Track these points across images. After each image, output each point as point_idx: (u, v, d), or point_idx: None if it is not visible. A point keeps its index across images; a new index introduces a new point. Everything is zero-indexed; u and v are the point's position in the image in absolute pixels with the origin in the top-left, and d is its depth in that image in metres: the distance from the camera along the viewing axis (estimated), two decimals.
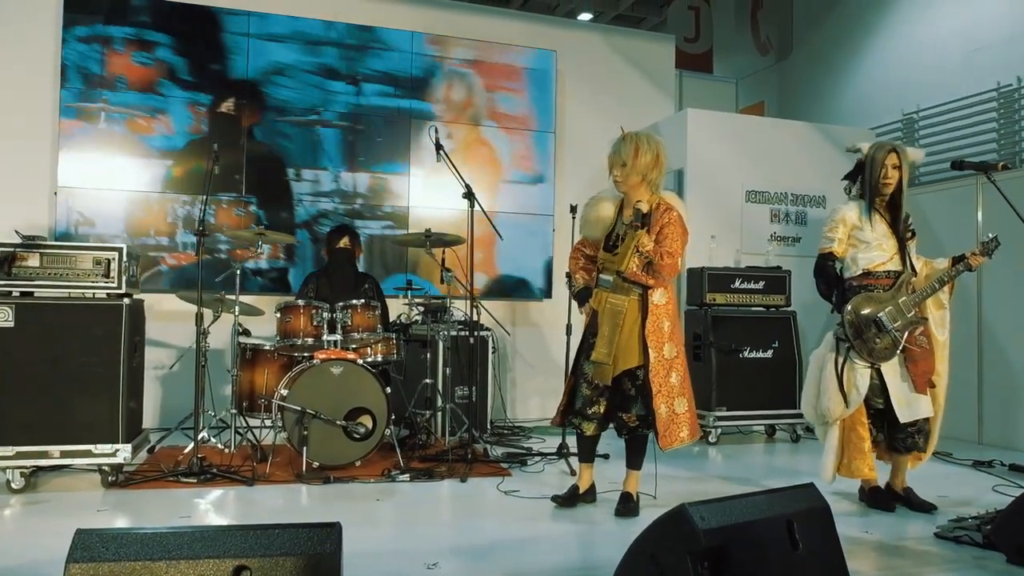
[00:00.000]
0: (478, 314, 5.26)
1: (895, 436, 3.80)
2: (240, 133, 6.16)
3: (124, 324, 3.96)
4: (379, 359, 4.90)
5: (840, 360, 3.72)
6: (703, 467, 5.03)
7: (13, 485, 3.82)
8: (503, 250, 6.56)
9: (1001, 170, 3.78)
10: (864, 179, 3.86)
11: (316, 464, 4.25)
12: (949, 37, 6.97)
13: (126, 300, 3.99)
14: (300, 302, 4.74)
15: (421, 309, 5.42)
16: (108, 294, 3.99)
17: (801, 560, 2.28)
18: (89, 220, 5.79)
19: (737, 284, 5.89)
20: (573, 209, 4.90)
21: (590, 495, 3.87)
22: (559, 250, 6.52)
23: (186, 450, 4.42)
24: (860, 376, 3.69)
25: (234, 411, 4.72)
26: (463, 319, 5.47)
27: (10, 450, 3.78)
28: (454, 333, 5.29)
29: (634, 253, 3.53)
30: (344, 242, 5.44)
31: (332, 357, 4.44)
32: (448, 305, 5.26)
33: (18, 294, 3.88)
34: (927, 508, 3.73)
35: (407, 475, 4.24)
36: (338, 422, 4.30)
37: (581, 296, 3.82)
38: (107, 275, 3.98)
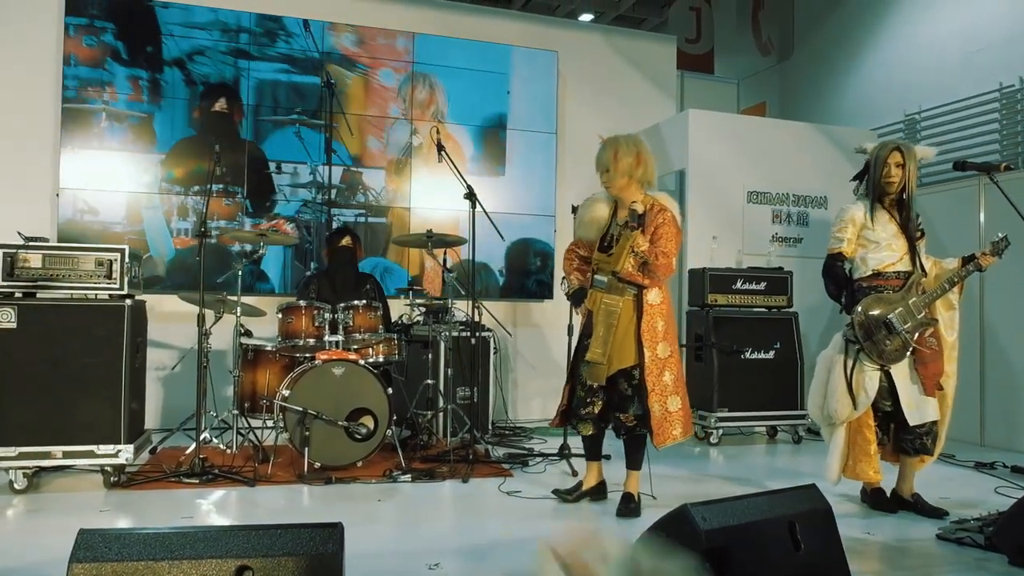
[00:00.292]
0: (479, 315, 5.26)
1: (903, 438, 3.76)
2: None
3: (126, 325, 3.97)
4: (381, 360, 4.90)
5: (850, 362, 3.69)
6: (705, 468, 5.03)
7: (16, 485, 3.83)
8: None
9: (1004, 171, 3.77)
10: (869, 178, 3.85)
11: (318, 465, 4.25)
12: (950, 37, 6.96)
13: (128, 301, 4.00)
14: (302, 303, 4.74)
15: (423, 310, 5.42)
16: (110, 295, 4.00)
17: (803, 561, 2.28)
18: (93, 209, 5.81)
19: (739, 285, 5.89)
20: (574, 210, 4.89)
21: (599, 493, 3.88)
22: (561, 250, 6.53)
23: (188, 451, 4.42)
24: (869, 378, 3.66)
25: (236, 412, 4.73)
26: (464, 320, 5.47)
27: (12, 450, 3.79)
28: (456, 334, 5.29)
29: (629, 253, 3.55)
30: (346, 242, 5.44)
31: (334, 358, 4.44)
32: (449, 306, 5.27)
33: (20, 295, 3.89)
34: (937, 514, 3.67)
35: (409, 476, 4.25)
36: (340, 423, 4.31)
37: (576, 297, 3.84)
38: (109, 276, 3.99)
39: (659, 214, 3.61)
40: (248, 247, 5.32)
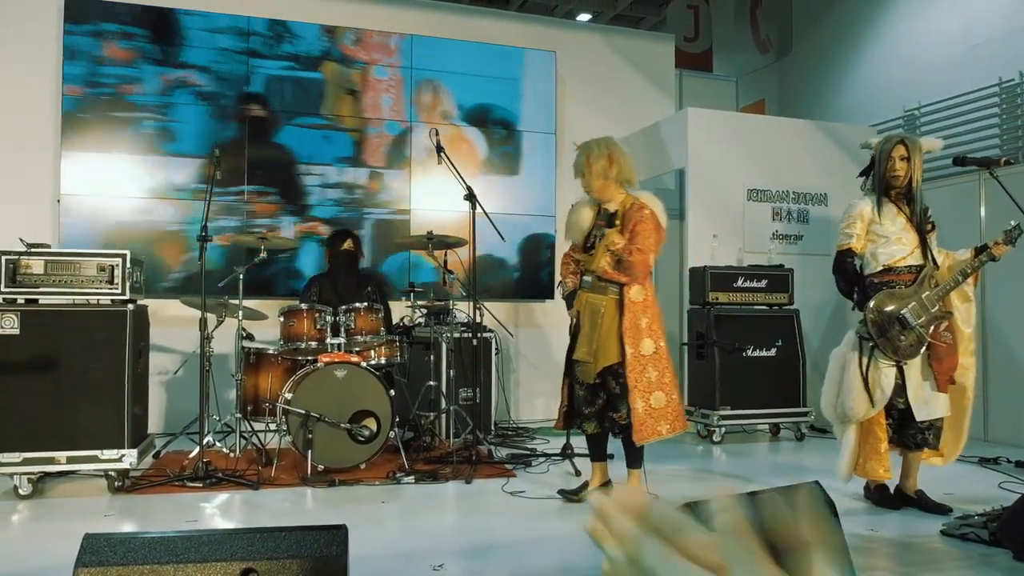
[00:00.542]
0: (481, 315, 5.27)
1: (906, 432, 3.74)
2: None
3: (128, 330, 3.97)
4: (383, 362, 4.90)
5: (864, 359, 3.65)
6: (708, 466, 5.03)
7: (20, 491, 3.84)
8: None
9: (1004, 166, 3.76)
10: (875, 172, 3.83)
11: (321, 467, 4.26)
12: (949, 32, 6.96)
13: (130, 306, 4.01)
14: (303, 306, 4.75)
15: (424, 311, 5.42)
16: (112, 300, 4.01)
17: None
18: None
19: (739, 283, 5.89)
20: None
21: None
22: (561, 251, 6.53)
23: (191, 455, 4.43)
24: (885, 376, 3.63)
25: (239, 415, 4.73)
26: (466, 321, 5.48)
27: (17, 456, 3.79)
28: (457, 335, 5.29)
29: (605, 252, 3.62)
30: (347, 245, 5.45)
31: (336, 360, 4.44)
32: (451, 307, 5.27)
33: (23, 301, 3.90)
34: (941, 510, 3.65)
35: (412, 477, 4.25)
36: (342, 425, 4.31)
37: (569, 299, 3.89)
38: (111, 281, 4.00)
39: (637, 212, 3.65)
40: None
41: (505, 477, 4.37)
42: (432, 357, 5.25)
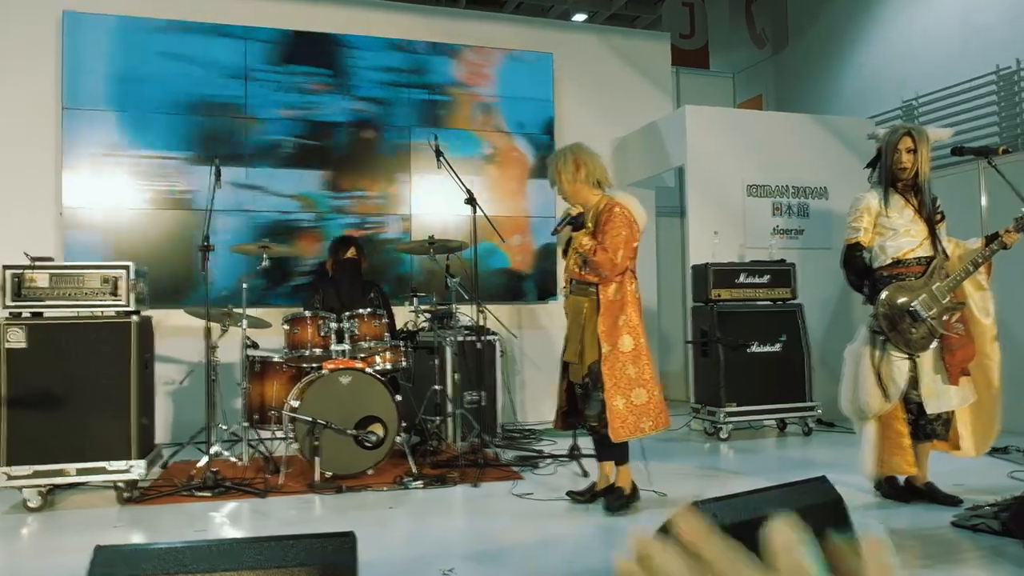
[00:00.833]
0: (484, 319, 5.27)
1: (916, 423, 3.71)
2: None
3: (133, 341, 3.99)
4: (388, 367, 4.91)
5: (877, 353, 3.64)
6: (715, 463, 5.02)
7: (30, 504, 3.85)
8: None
9: (1002, 154, 3.75)
10: (881, 165, 3.81)
11: (328, 474, 4.26)
12: (946, 21, 6.96)
13: (135, 317, 4.02)
14: (307, 313, 4.75)
15: (428, 316, 5.43)
16: (117, 312, 4.02)
17: None
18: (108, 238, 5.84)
19: (742, 279, 5.88)
20: None
21: (612, 492, 3.88)
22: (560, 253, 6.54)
23: (199, 464, 4.44)
24: (897, 369, 3.61)
25: (245, 424, 4.74)
26: (470, 324, 5.48)
27: (26, 469, 3.81)
28: (461, 338, 5.29)
29: (575, 254, 3.70)
30: (350, 252, 5.46)
31: (341, 367, 4.45)
32: (454, 311, 5.27)
33: (29, 315, 3.91)
34: (952, 501, 3.63)
35: (419, 482, 4.25)
36: (349, 431, 4.32)
37: None
38: (115, 293, 4.01)
39: (605, 212, 3.69)
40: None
41: (512, 480, 4.37)
42: (437, 361, 5.25)
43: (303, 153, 6.34)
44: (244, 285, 4.72)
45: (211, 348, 4.41)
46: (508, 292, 6.76)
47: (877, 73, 7.72)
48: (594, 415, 3.65)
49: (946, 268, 3.68)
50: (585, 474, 4.38)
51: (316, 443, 4.22)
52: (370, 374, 4.47)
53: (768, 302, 5.95)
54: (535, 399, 6.82)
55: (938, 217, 3.78)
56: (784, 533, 0.45)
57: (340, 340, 4.68)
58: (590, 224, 3.73)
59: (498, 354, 5.73)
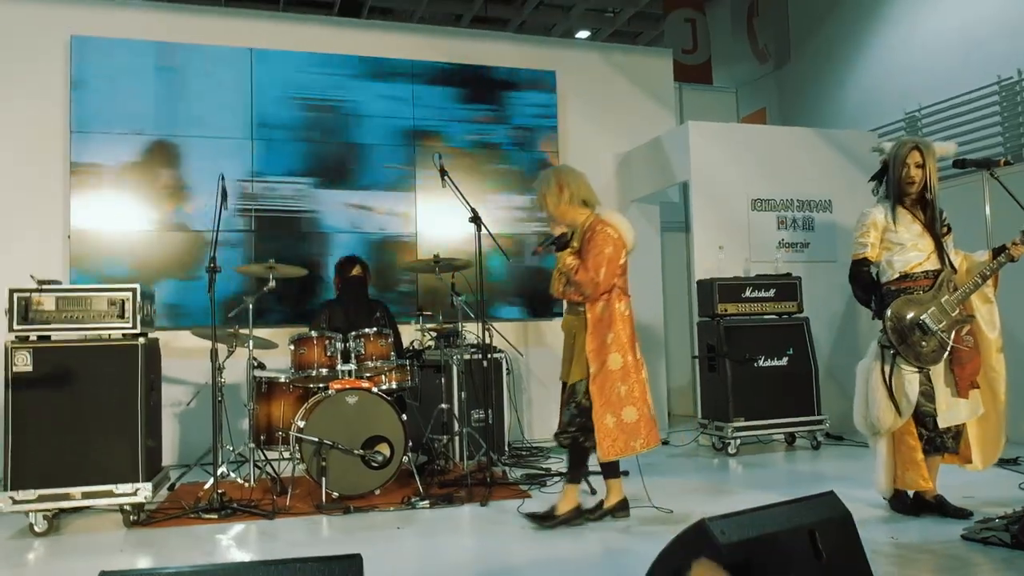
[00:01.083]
0: (490, 336, 5.27)
1: (928, 437, 3.67)
2: None
3: (140, 364, 4.00)
4: (394, 386, 4.91)
5: (887, 368, 3.61)
6: (724, 479, 5.00)
7: (36, 528, 3.84)
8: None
9: (1003, 166, 3.75)
10: (889, 179, 3.81)
11: (336, 494, 4.25)
12: (948, 33, 6.97)
13: (141, 340, 4.03)
14: (313, 333, 4.76)
15: (434, 334, 5.43)
16: (123, 334, 4.03)
17: (825, 570, 2.26)
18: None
19: (748, 293, 5.88)
20: None
21: (622, 509, 3.86)
22: None
23: (206, 486, 4.43)
24: (909, 383, 3.59)
25: (252, 445, 4.74)
26: (476, 342, 5.48)
27: (32, 493, 3.81)
28: (468, 357, 5.29)
29: (559, 274, 3.76)
30: (356, 271, 5.48)
31: (347, 387, 4.45)
32: (460, 329, 5.27)
33: (35, 338, 3.93)
34: (962, 514, 3.60)
35: (427, 501, 4.24)
36: (356, 451, 4.31)
37: None
38: (122, 315, 4.03)
39: (588, 231, 3.73)
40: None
41: (521, 498, 4.35)
42: (443, 380, 5.25)
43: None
44: (250, 305, 4.72)
45: (218, 369, 4.41)
46: (514, 309, 6.76)
47: (880, 85, 7.74)
48: (563, 426, 3.74)
49: (954, 281, 3.67)
50: (593, 491, 4.36)
51: (323, 464, 4.21)
52: (376, 394, 4.47)
53: (774, 316, 5.94)
54: (542, 416, 6.79)
55: (944, 230, 3.78)
56: None
57: (346, 360, 4.68)
58: (575, 244, 3.76)
59: (504, 372, 5.73)
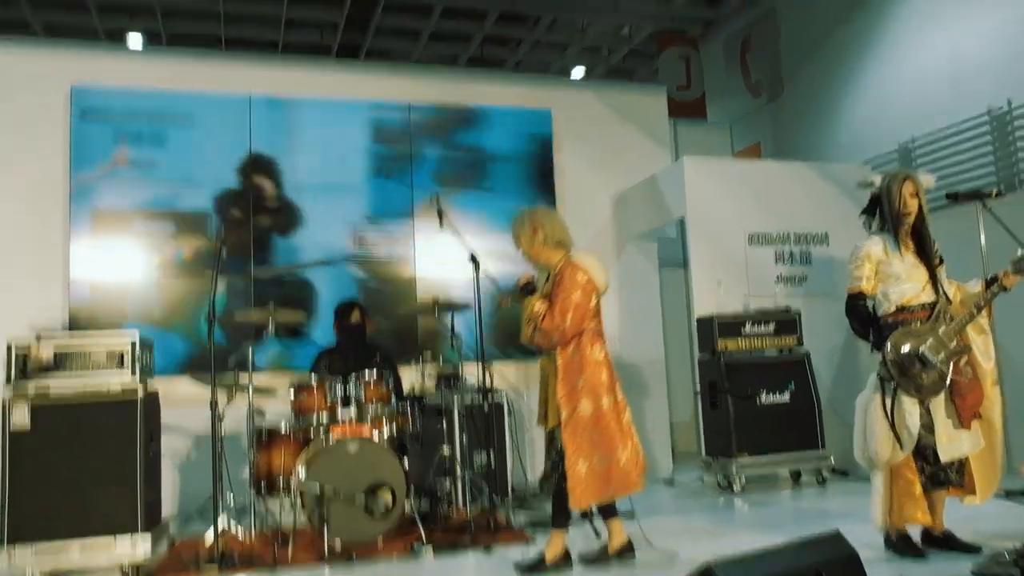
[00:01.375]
0: (491, 378, 5.25)
1: (931, 471, 3.63)
2: None
3: (139, 415, 3.98)
4: (395, 431, 4.88)
5: (888, 400, 3.58)
6: (729, 519, 4.95)
7: None
8: None
9: (995, 197, 3.77)
10: (884, 212, 3.80)
11: (339, 544, 4.20)
12: (938, 65, 7.05)
13: (140, 390, 4.02)
14: (313, 379, 4.75)
15: (434, 378, 5.41)
16: (123, 388, 4.01)
17: None
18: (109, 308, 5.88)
19: (748, 329, 5.87)
20: None
21: (628, 551, 3.80)
22: None
23: (207, 537, 4.38)
24: (910, 415, 3.55)
25: (253, 493, 4.70)
26: (476, 385, 5.46)
27: (29, 548, 3.76)
28: (468, 401, 5.26)
29: (527, 320, 3.73)
30: (355, 317, 5.48)
31: (348, 433, 4.43)
32: (461, 371, 5.26)
33: (34, 392, 3.92)
34: (971, 549, 3.56)
35: (430, 548, 4.19)
36: (357, 499, 4.27)
37: None
38: (121, 365, 4.02)
39: (557, 275, 3.74)
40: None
41: (525, 542, 4.30)
42: (444, 423, 5.22)
43: None
44: (248, 351, 4.72)
45: (217, 419, 4.38)
46: (515, 348, 6.74)
47: (873, 117, 7.81)
48: (546, 473, 3.72)
49: (950, 312, 3.66)
50: (598, 535, 4.31)
51: (325, 512, 4.17)
52: (377, 440, 4.44)
53: (775, 351, 5.92)
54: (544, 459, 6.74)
55: (937, 260, 3.78)
56: None
57: (346, 405, 4.66)
58: (547, 287, 3.76)
59: (506, 413, 5.70)
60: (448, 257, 6.21)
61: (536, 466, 6.61)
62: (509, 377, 6.03)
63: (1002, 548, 3.47)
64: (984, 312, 3.67)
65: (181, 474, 5.82)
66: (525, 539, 4.38)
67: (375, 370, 4.91)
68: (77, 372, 3.97)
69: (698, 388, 6.14)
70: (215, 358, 4.26)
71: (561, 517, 3.75)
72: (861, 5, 8.05)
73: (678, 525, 4.49)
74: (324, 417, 4.63)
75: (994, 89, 6.46)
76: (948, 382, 3.57)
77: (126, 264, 6.00)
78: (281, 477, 4.71)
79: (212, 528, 4.23)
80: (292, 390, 4.73)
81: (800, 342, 5.95)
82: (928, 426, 3.60)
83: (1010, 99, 6.35)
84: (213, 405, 4.28)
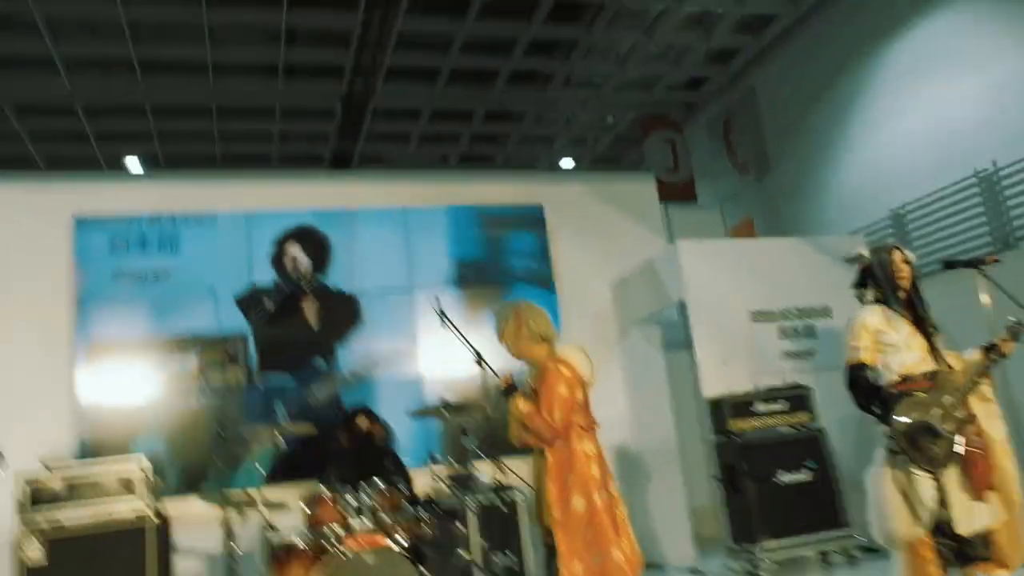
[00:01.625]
0: (505, 476, 5.18)
1: (956, 548, 3.52)
2: None
3: (151, 541, 3.93)
4: (410, 538, 4.77)
5: (900, 475, 3.51)
6: None
7: None
8: None
9: (991, 263, 3.80)
10: (878, 281, 3.80)
11: None
12: (923, 128, 7.21)
13: (151, 515, 3.98)
14: (324, 490, 4.68)
15: (448, 480, 5.34)
16: (135, 513, 3.97)
17: None
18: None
19: (759, 408, 5.82)
20: None
21: None
22: None
23: None
24: (923, 489, 3.47)
25: None
26: (491, 484, 5.39)
27: None
28: (484, 500, 5.18)
29: (514, 420, 3.72)
30: (362, 423, 5.46)
31: (364, 544, 4.34)
32: (474, 472, 5.19)
33: (46, 525, 3.87)
34: None
35: None
36: None
37: None
38: (131, 491, 3.99)
39: (542, 372, 3.72)
40: None
41: None
42: (461, 525, 5.12)
43: None
44: (255, 464, 4.68)
45: (230, 538, 4.31)
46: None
47: (862, 185, 7.94)
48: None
49: (952, 381, 3.63)
50: None
51: None
52: (393, 548, 4.35)
53: (789, 429, 5.85)
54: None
55: (932, 329, 3.77)
56: None
57: (360, 515, 4.58)
58: (532, 382, 3.75)
59: (523, 511, 5.59)
60: (453, 356, 6.23)
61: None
62: (522, 473, 5.94)
63: None
64: (985, 380, 3.65)
65: None
66: None
67: (387, 476, 4.85)
68: (89, 501, 3.95)
69: (715, 472, 6.04)
70: (223, 474, 4.22)
71: None
72: (841, 75, 8.29)
73: None
74: (339, 529, 4.55)
75: (980, 150, 6.59)
76: (959, 452, 3.51)
77: (133, 387, 6.00)
78: None
79: None
80: (303, 502, 4.66)
81: (814, 418, 5.89)
82: (942, 500, 3.51)
83: (995, 160, 6.47)
84: (225, 524, 4.21)
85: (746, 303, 6.52)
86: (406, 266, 6.84)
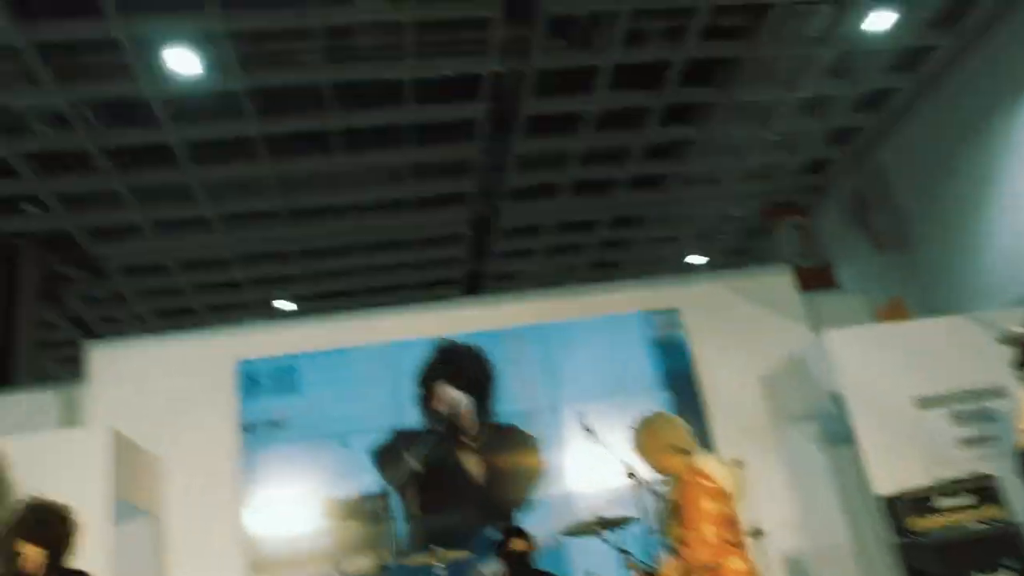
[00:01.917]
0: None
1: None
2: None
3: None
4: None
5: None
6: None
7: None
8: None
9: None
10: None
11: None
12: None
13: None
14: None
15: None
16: None
17: None
18: None
19: (940, 503, 5.33)
20: None
21: None
22: None
23: None
24: None
25: None
26: None
27: None
28: None
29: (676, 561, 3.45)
30: (517, 545, 5.40)
31: None
32: None
33: None
34: None
35: None
36: None
37: None
38: None
39: (681, 487, 3.50)
40: None
41: None
42: None
43: None
44: None
45: None
46: None
47: (1011, 254, 7.42)
48: None
49: None
50: None
51: None
52: None
53: (982, 525, 5.31)
54: None
55: None
56: None
57: None
58: (672, 496, 3.57)
59: None
60: (602, 471, 6.12)
61: None
62: None
63: None
64: None
65: None
66: None
67: None
68: None
69: None
70: None
71: None
72: (976, 140, 7.93)
73: None
74: None
75: None
76: None
77: (300, 520, 6.24)
78: None
79: None
80: None
81: (1007, 511, 5.33)
82: None
83: None
84: None
85: (908, 389, 6.08)
86: (549, 383, 6.87)
